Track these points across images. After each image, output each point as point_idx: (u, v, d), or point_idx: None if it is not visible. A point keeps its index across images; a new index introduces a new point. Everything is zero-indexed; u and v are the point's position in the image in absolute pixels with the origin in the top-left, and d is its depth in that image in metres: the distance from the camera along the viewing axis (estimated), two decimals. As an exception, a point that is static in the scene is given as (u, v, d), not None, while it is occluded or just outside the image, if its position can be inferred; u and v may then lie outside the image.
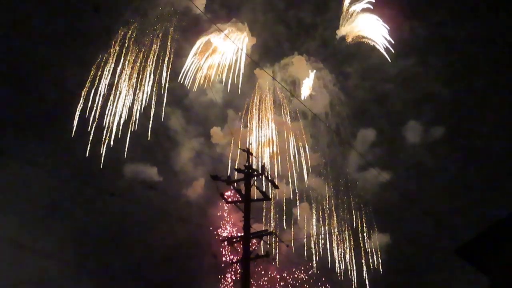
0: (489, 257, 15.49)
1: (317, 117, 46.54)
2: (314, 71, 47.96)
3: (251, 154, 19.86)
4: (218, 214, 39.63)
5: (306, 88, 47.34)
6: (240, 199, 19.12)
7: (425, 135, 52.50)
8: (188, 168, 49.89)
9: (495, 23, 53.37)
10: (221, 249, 35.58)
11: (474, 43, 53.71)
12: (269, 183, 20.48)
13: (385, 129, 53.26)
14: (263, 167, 19.30)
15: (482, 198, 47.64)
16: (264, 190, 20.32)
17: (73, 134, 42.71)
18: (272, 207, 44.29)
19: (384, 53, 46.58)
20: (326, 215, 46.92)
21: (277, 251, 40.58)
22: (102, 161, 42.25)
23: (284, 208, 45.58)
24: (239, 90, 45.92)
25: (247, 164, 19.38)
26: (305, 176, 46.69)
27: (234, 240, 19.13)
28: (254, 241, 19.30)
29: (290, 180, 46.16)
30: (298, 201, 46.28)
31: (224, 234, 38.93)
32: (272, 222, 43.96)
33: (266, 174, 19.37)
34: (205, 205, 44.13)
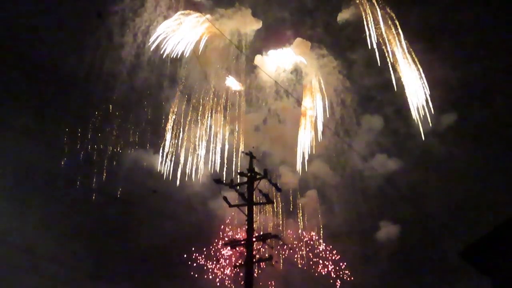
0: (492, 260, 15.51)
1: (318, 116, 46.14)
2: (320, 75, 46.89)
3: (254, 157, 19.87)
4: (224, 220, 39.77)
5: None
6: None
7: (435, 121, 51.59)
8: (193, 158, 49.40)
9: (505, 5, 52.04)
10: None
11: (485, 26, 52.45)
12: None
13: (392, 116, 52.44)
14: (265, 170, 19.27)
15: (494, 187, 46.89)
16: (267, 189, 20.34)
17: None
18: (272, 210, 43.94)
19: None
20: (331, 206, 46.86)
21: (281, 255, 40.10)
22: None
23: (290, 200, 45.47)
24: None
25: (250, 167, 19.44)
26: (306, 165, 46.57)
27: (237, 243, 19.20)
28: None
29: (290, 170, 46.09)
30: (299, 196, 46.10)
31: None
32: (271, 224, 43.77)
33: (269, 178, 19.34)
34: (208, 202, 44.20)
